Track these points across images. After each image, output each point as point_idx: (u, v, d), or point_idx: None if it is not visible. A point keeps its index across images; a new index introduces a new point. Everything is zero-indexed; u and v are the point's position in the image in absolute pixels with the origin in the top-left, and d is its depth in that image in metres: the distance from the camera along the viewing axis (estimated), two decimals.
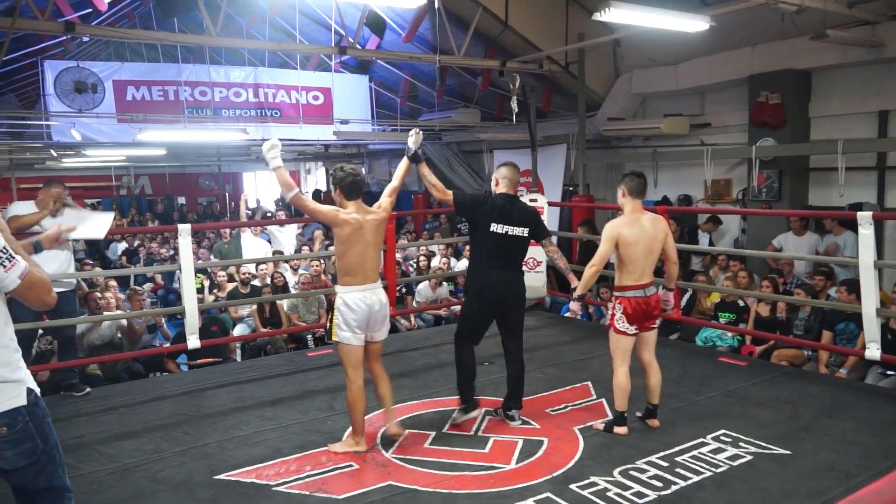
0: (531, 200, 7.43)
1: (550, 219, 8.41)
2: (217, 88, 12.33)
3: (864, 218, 4.75)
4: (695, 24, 6.46)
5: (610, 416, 4.36)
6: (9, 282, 2.29)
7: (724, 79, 9.00)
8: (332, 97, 13.12)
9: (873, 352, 4.85)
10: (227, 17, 7.78)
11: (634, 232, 4.07)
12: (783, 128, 8.34)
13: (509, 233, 4.20)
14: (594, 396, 4.83)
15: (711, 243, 8.94)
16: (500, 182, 4.32)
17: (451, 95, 12.90)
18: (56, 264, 4.93)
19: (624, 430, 4.11)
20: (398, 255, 10.01)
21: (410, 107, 14.27)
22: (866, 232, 4.69)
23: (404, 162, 4.33)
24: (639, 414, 4.32)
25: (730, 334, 6.65)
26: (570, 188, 11.23)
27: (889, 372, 5.42)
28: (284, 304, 7.58)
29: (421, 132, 4.37)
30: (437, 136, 14.20)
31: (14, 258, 2.30)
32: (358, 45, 8.90)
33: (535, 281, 7.33)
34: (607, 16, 5.67)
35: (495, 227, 4.17)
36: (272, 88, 12.77)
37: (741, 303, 6.88)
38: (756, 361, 5.80)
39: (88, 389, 5.19)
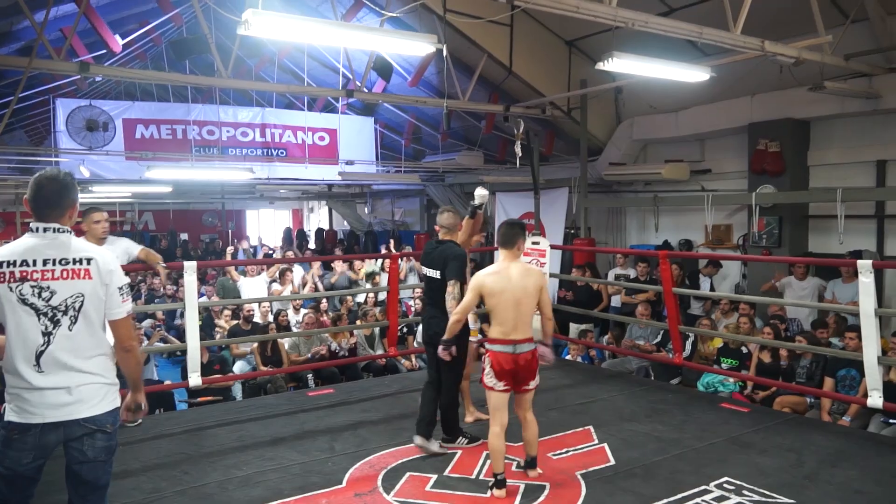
0: (534, 243, 7.49)
1: (552, 261, 8.44)
2: (225, 128, 12.51)
3: (865, 266, 4.79)
4: (695, 75, 6.61)
5: (612, 462, 4.34)
6: (121, 311, 2.78)
7: (723, 126, 9.16)
8: (338, 138, 13.30)
9: (875, 400, 4.84)
10: (236, 59, 7.96)
11: (500, 282, 3.87)
12: (782, 175, 8.45)
13: (428, 274, 4.59)
14: (596, 441, 4.80)
15: (713, 288, 8.97)
16: (438, 229, 4.67)
17: (455, 138, 13.09)
18: None
19: (502, 494, 3.80)
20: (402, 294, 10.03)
21: (415, 148, 14.46)
22: (866, 280, 4.73)
23: (467, 219, 4.69)
24: (519, 465, 4.20)
25: (732, 380, 6.64)
26: (572, 231, 11.31)
27: (892, 420, 5.40)
28: (286, 342, 7.58)
29: (486, 190, 4.70)
30: (440, 177, 14.34)
31: (129, 295, 2.82)
32: (365, 89, 9.08)
33: (536, 323, 7.30)
34: (610, 65, 5.81)
35: (424, 270, 4.63)
36: (279, 129, 12.95)
37: (744, 349, 6.88)
38: (758, 408, 5.77)
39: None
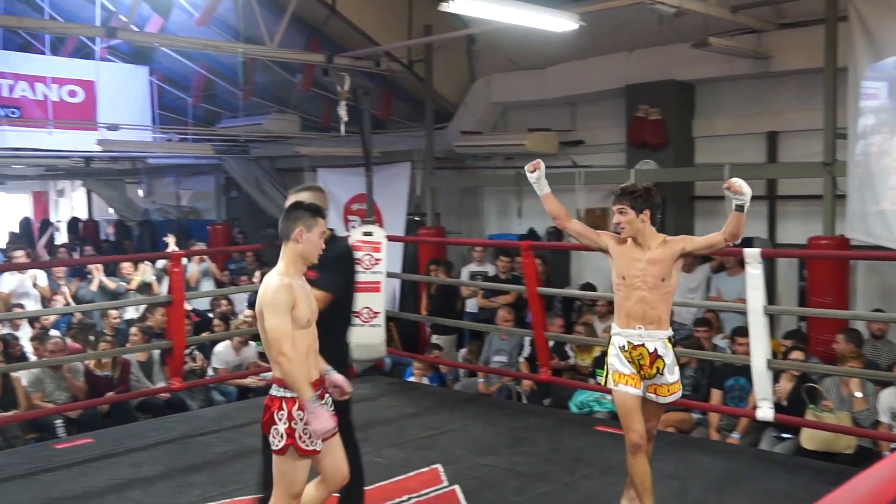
0: (365, 234, 7.55)
1: (391, 257, 8.56)
2: None
3: (752, 256, 5.31)
4: (561, 23, 6.98)
5: None
6: None
7: (597, 88, 9.73)
8: (97, 94, 12.62)
9: (765, 412, 5.39)
10: None
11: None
12: (665, 148, 9.15)
13: None
14: (445, 483, 4.96)
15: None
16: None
17: (262, 97, 12.85)
18: None
19: None
20: (188, 306, 9.72)
21: (207, 110, 14.03)
22: (754, 272, 5.25)
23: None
24: None
25: (610, 397, 7.08)
26: (416, 218, 11.51)
27: (784, 435, 6.04)
28: (23, 378, 7.12)
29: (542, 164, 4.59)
30: (242, 148, 14.04)
31: None
32: (133, 27, 8.68)
33: (370, 337, 7.41)
34: (457, 6, 5.99)
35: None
36: (7, 79, 12.07)
37: None
38: None
39: None
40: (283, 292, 3.42)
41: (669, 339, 4.26)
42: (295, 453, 3.43)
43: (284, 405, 3.45)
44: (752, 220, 8.77)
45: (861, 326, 7.00)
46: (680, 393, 4.32)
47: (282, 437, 3.43)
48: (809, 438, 5.79)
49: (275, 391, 3.50)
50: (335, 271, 4.14)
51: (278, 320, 3.41)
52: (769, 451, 5.93)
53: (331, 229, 4.27)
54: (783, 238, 8.81)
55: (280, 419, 3.45)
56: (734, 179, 3.98)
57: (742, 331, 6.25)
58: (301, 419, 3.42)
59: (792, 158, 8.61)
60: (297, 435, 3.42)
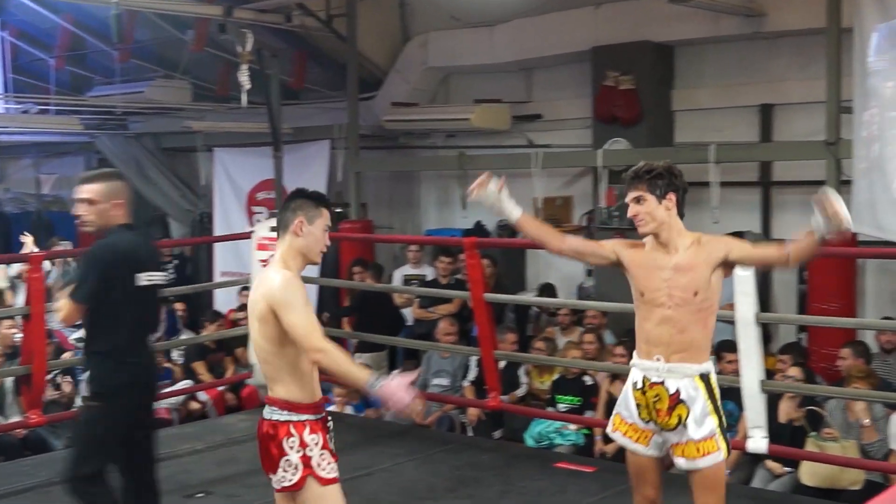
0: (273, 229, 7.47)
1: None
2: None
3: None
4: None
5: None
6: None
7: (558, 51, 9.79)
8: None
9: (758, 442, 5.48)
10: None
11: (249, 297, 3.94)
12: (639, 124, 9.25)
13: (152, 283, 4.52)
14: None
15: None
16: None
17: (143, 59, 12.66)
18: None
19: None
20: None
21: (74, 74, 13.76)
22: (743, 273, 5.34)
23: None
24: None
25: (573, 427, 7.14)
26: (338, 210, 11.44)
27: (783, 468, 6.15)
28: None
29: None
30: (119, 122, 13.81)
31: None
32: None
33: None
34: None
35: (140, 280, 4.42)
36: None
37: (588, 380, 7.44)
38: (608, 465, 6.27)
39: None
40: (294, 284, 3.54)
41: (703, 376, 3.85)
42: (316, 484, 3.51)
43: (294, 430, 3.51)
44: (743, 210, 8.94)
45: (870, 338, 7.16)
46: (721, 454, 3.82)
47: (296, 468, 3.50)
48: (810, 473, 5.90)
49: (277, 415, 3.55)
50: (85, 275, 4.28)
51: (300, 315, 3.49)
52: (763, 488, 6.03)
53: (128, 224, 4.45)
54: (779, 232, 8.93)
55: (291, 447, 3.50)
56: (830, 194, 3.59)
57: (730, 345, 6.35)
58: (316, 443, 3.52)
59: (790, 137, 8.81)
60: (314, 463, 3.50)
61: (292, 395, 3.55)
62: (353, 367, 3.57)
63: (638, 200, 3.87)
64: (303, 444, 3.49)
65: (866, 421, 6.01)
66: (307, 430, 3.51)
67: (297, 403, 3.54)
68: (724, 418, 3.85)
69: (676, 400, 3.80)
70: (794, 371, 6.28)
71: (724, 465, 3.91)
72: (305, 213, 3.65)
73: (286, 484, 3.52)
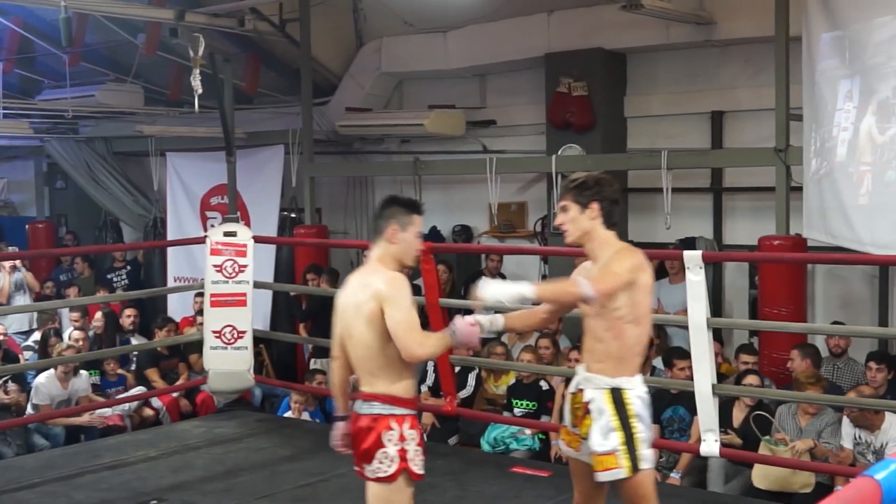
0: (227, 234, 7.47)
1: (261, 262, 8.45)
2: None
3: (692, 259, 5.46)
4: None
5: None
6: None
7: (512, 56, 9.86)
8: None
9: (711, 445, 5.55)
10: None
11: (342, 299, 4.01)
12: (592, 130, 9.33)
13: None
14: None
15: None
16: None
17: (94, 63, 12.54)
18: None
19: None
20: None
21: (22, 77, 13.58)
22: (696, 278, 5.41)
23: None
24: None
25: (528, 432, 7.18)
26: (292, 215, 11.41)
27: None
28: None
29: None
30: (69, 126, 13.66)
31: None
32: None
33: (233, 362, 7.34)
34: None
35: None
36: None
37: (544, 385, 7.48)
38: (563, 469, 6.28)
39: None
40: (402, 282, 3.76)
41: (614, 391, 3.78)
42: (408, 479, 3.71)
43: (394, 424, 3.70)
44: (695, 217, 9.05)
45: (821, 342, 7.28)
46: (622, 472, 3.72)
47: (392, 460, 3.66)
48: (761, 476, 5.99)
49: (378, 409, 3.73)
50: None
51: (406, 312, 3.69)
52: (718, 492, 6.10)
53: None
54: (731, 238, 9.08)
55: (390, 440, 3.68)
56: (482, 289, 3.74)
57: (680, 352, 6.41)
58: (412, 439, 3.72)
59: (740, 143, 8.92)
60: (409, 457, 3.69)
61: (394, 391, 3.74)
62: (440, 342, 3.81)
63: (563, 209, 3.95)
64: (401, 438, 3.67)
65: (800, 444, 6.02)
66: (407, 424, 3.71)
67: (399, 398, 3.74)
68: (636, 436, 3.75)
69: (586, 410, 3.85)
70: (752, 378, 6.36)
71: (646, 481, 3.82)
72: (398, 220, 3.85)
73: (381, 475, 3.68)
